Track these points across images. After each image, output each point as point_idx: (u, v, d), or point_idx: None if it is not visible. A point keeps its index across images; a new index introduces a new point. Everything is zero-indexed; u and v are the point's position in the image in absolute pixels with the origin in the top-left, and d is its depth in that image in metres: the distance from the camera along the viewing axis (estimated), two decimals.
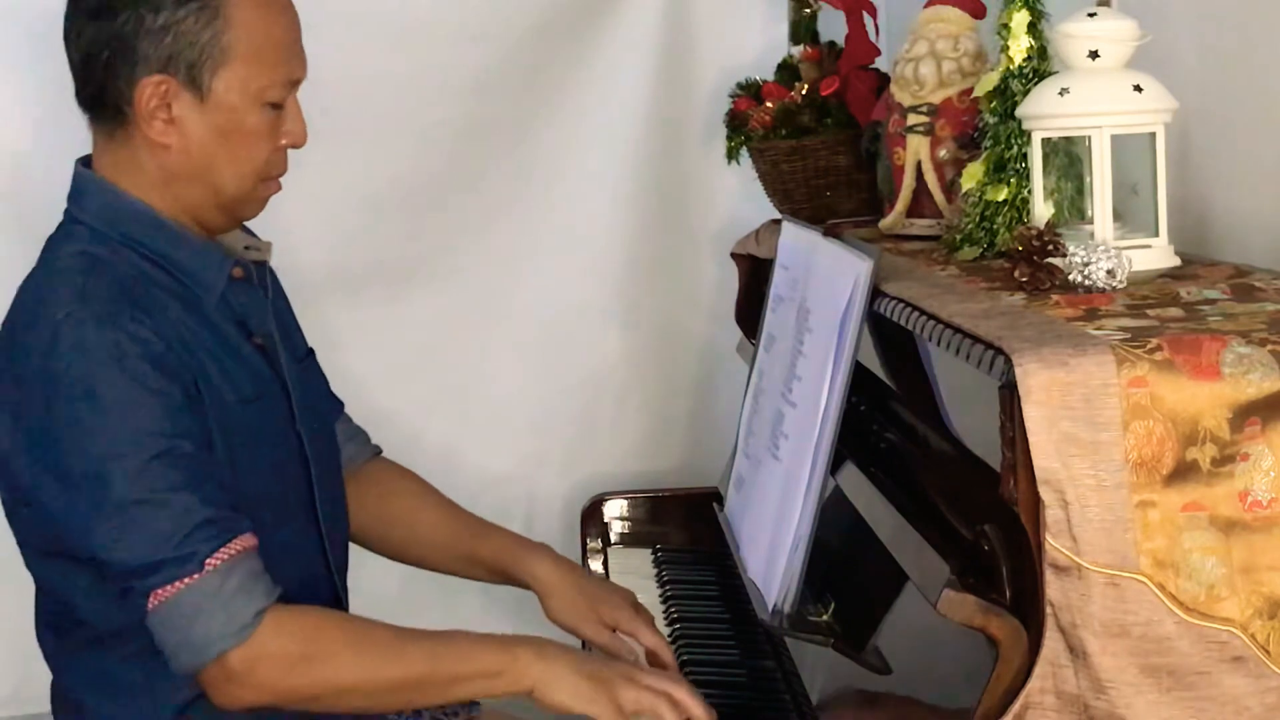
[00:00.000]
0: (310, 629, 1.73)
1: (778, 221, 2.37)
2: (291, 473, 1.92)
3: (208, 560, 1.67)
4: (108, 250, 1.80)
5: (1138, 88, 1.68)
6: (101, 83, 1.80)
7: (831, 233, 1.92)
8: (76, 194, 1.87)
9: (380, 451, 2.21)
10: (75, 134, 2.52)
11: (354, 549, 2.11)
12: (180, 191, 1.83)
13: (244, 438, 1.82)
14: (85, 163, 1.88)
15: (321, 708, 1.76)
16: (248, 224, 1.98)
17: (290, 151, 1.89)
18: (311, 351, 2.06)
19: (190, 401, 1.74)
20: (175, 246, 1.83)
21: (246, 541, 1.71)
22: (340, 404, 2.16)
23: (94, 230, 1.82)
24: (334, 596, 1.99)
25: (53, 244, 1.86)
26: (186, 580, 1.67)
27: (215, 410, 1.78)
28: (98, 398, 1.69)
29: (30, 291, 1.81)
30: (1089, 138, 1.70)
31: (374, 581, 2.24)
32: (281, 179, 1.90)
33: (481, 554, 2.13)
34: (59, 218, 2.59)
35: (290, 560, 1.88)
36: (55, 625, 1.89)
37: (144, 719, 1.83)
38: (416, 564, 2.18)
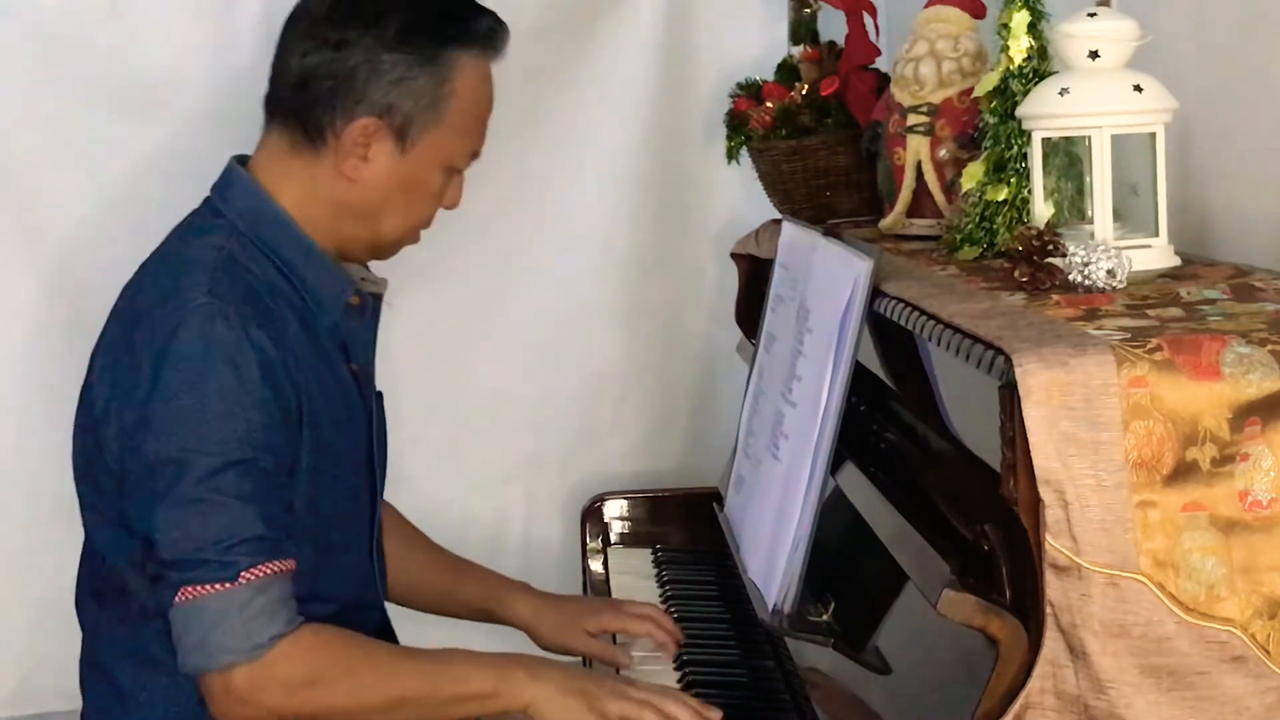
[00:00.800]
0: (315, 654, 1.75)
1: (778, 221, 2.37)
2: (362, 499, 1.97)
3: (243, 573, 1.70)
4: (244, 251, 1.85)
5: (1138, 88, 1.68)
6: (313, 106, 1.85)
7: (831, 233, 1.92)
8: (225, 188, 1.91)
9: None
10: (73, 132, 2.54)
11: None
12: (342, 223, 1.90)
13: (331, 458, 1.87)
14: (240, 161, 1.93)
15: None
16: None
17: None
18: (381, 394, 2.08)
19: (287, 420, 1.79)
20: (306, 263, 1.88)
21: (286, 565, 1.74)
22: None
23: (234, 227, 1.87)
24: (383, 620, 2.05)
25: (191, 230, 1.90)
26: (217, 586, 1.70)
27: (310, 427, 1.83)
28: (203, 391, 1.73)
29: (165, 271, 1.85)
30: (1089, 138, 1.70)
31: None
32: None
33: (464, 594, 2.20)
34: (58, 216, 2.60)
35: (352, 582, 1.94)
36: (99, 594, 1.92)
37: (173, 696, 1.84)
38: (399, 601, 2.21)
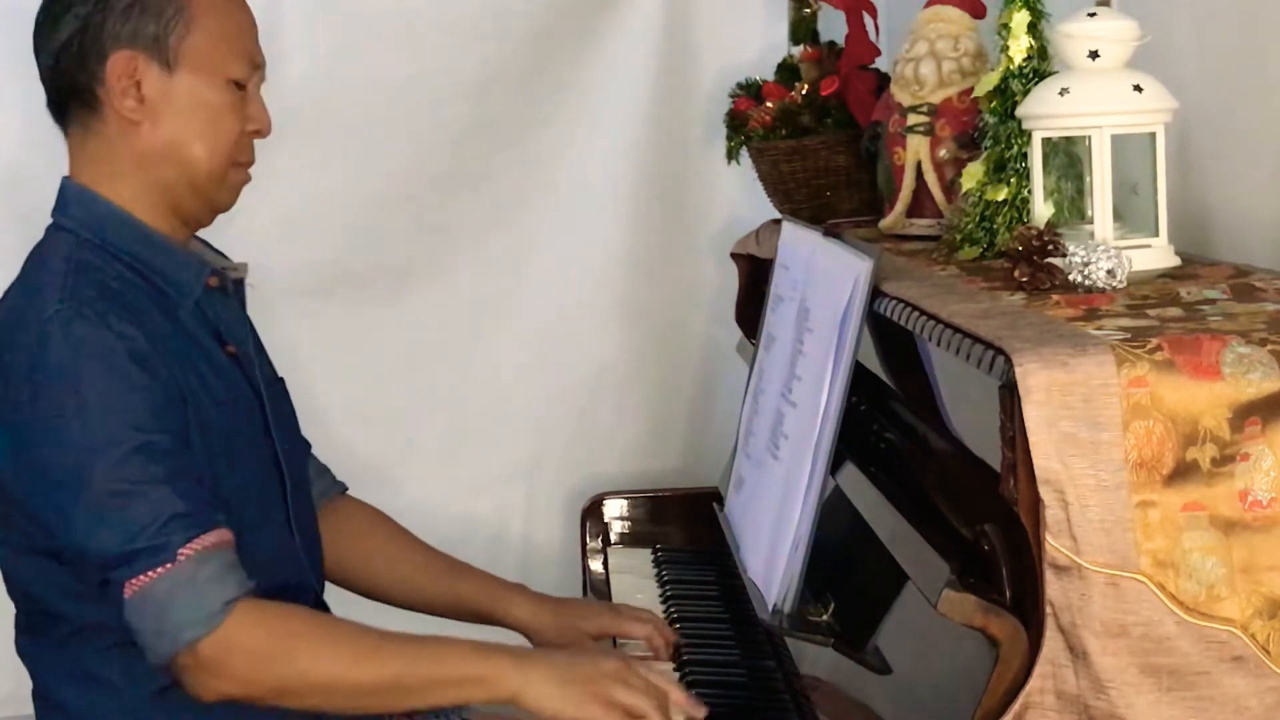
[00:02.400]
0: (282, 622, 1.74)
1: (778, 221, 2.37)
2: (267, 478, 1.95)
3: (180, 550, 1.69)
4: (92, 256, 1.84)
5: (1138, 88, 1.68)
6: (74, 73, 1.86)
7: (831, 233, 1.92)
8: (61, 204, 1.92)
9: (346, 489, 2.23)
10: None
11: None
12: (156, 174, 1.88)
13: (221, 438, 1.85)
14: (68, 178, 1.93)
15: (296, 704, 1.75)
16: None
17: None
18: (282, 380, 2.07)
19: (169, 399, 1.78)
20: (154, 253, 1.88)
21: (221, 535, 1.73)
22: (308, 444, 2.17)
23: (78, 237, 1.86)
24: (317, 602, 2.02)
25: (38, 251, 1.91)
26: (160, 570, 1.69)
27: (194, 411, 1.81)
28: (81, 393, 1.72)
29: (17, 295, 1.85)
30: (1089, 138, 1.70)
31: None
32: (251, 171, 1.95)
33: (460, 596, 2.18)
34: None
35: (275, 561, 1.91)
36: (30, 627, 1.91)
37: (122, 709, 1.84)
38: (391, 600, 2.20)
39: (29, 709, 2.56)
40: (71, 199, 1.90)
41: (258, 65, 1.94)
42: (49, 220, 2.58)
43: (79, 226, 1.87)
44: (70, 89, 1.88)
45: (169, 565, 1.68)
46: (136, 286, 1.84)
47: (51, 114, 1.93)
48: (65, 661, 1.87)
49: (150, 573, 1.69)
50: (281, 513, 1.97)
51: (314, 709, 1.77)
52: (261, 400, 1.96)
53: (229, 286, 1.99)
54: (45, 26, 1.89)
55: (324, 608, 2.04)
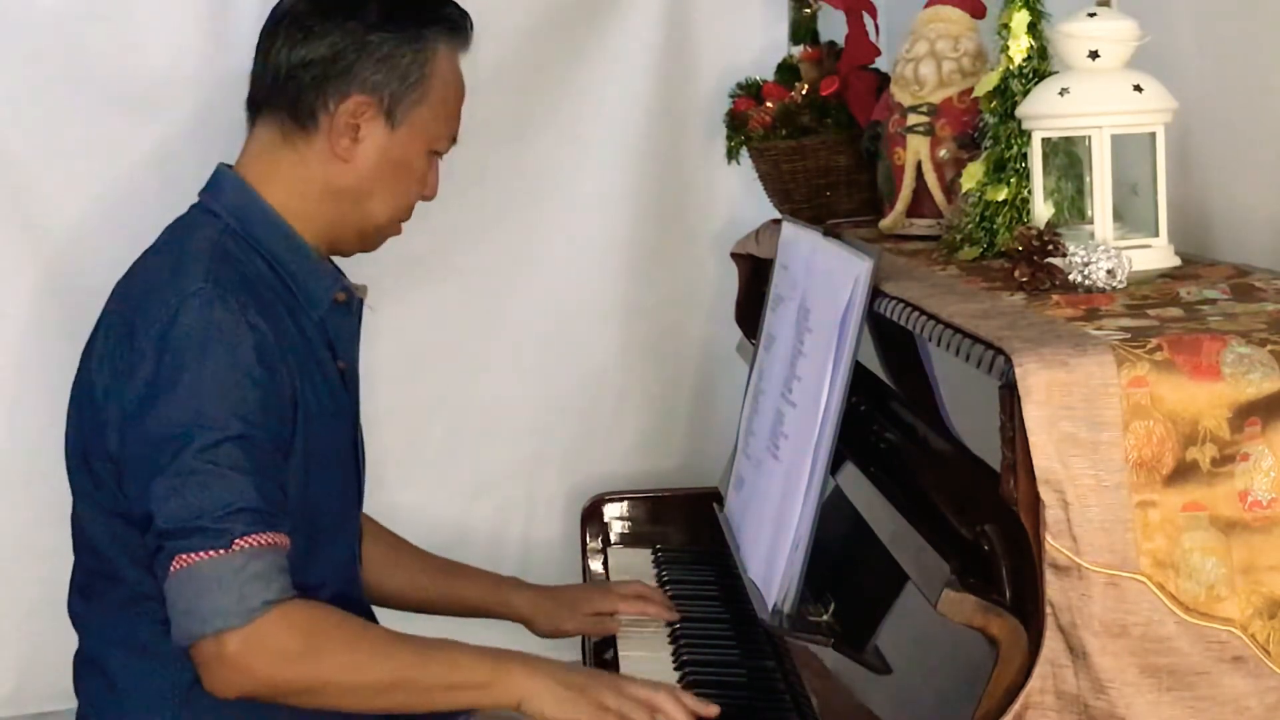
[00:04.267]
0: (309, 624, 1.76)
1: (778, 221, 2.37)
2: (347, 492, 2.01)
3: (237, 540, 1.72)
4: (235, 246, 1.90)
5: (1138, 88, 1.68)
6: (303, 91, 1.92)
7: (831, 233, 1.92)
8: (214, 188, 1.97)
9: None
10: (71, 132, 2.54)
11: None
12: (333, 208, 1.95)
13: (319, 450, 1.90)
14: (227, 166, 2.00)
15: (308, 702, 1.79)
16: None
17: None
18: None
19: (282, 403, 1.83)
20: (294, 258, 1.94)
21: (280, 539, 1.76)
22: None
23: (226, 224, 1.92)
24: (366, 611, 2.06)
25: (183, 227, 1.96)
26: (211, 553, 1.72)
27: (302, 419, 1.86)
28: (202, 371, 1.77)
29: (161, 263, 1.90)
30: (1089, 138, 1.70)
31: None
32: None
33: (459, 594, 2.26)
34: (56, 215, 2.60)
35: (335, 573, 1.97)
36: (88, 587, 1.95)
37: (166, 683, 1.86)
38: (390, 602, 2.24)
39: (29, 709, 2.58)
40: (227, 186, 1.95)
41: (455, 140, 2.03)
42: (46, 218, 2.59)
43: (228, 215, 1.92)
44: (292, 100, 1.93)
45: (221, 551, 1.72)
46: (271, 286, 1.89)
47: (248, 106, 1.98)
48: (118, 627, 1.90)
49: (202, 553, 1.72)
50: (353, 523, 2.03)
51: (326, 708, 1.80)
52: (357, 417, 2.03)
53: (354, 304, 2.04)
54: (292, 34, 1.93)
55: (373, 614, 2.08)
